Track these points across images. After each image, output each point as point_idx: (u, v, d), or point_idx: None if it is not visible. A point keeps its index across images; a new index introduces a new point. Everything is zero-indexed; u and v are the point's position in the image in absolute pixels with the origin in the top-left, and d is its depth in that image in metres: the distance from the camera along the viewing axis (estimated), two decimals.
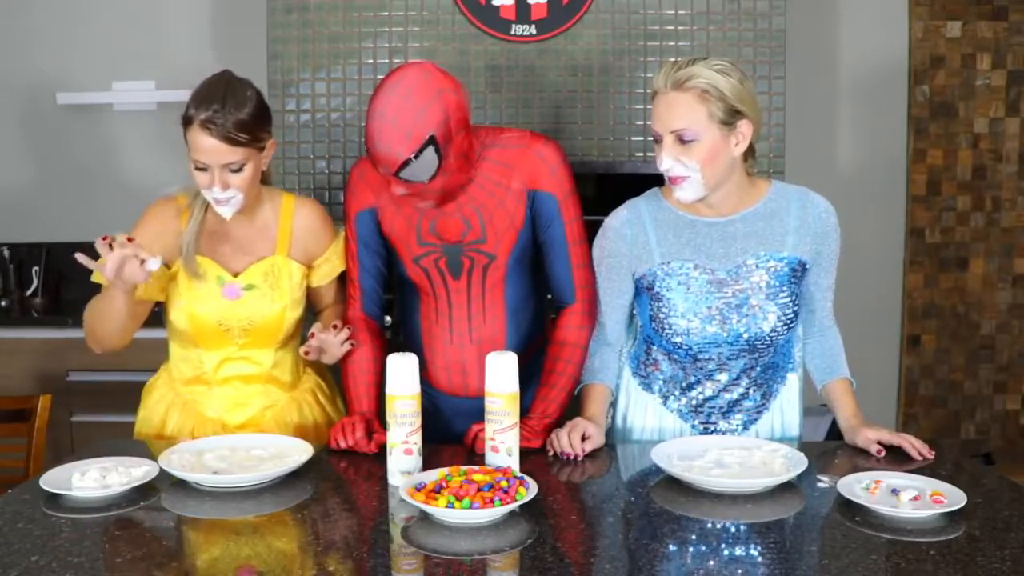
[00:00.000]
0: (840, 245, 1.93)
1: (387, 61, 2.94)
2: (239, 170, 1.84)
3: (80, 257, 1.74)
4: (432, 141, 1.76)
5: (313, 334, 1.88)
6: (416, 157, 1.76)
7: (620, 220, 1.93)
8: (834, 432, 2.08)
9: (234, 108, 1.81)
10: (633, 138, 2.97)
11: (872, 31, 3.66)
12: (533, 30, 2.92)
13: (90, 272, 1.89)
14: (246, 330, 1.98)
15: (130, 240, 1.72)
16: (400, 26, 2.94)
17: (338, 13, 2.95)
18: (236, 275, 1.97)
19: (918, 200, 3.71)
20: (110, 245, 1.71)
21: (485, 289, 1.97)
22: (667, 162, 1.78)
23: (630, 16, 2.92)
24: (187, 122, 1.83)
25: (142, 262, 1.72)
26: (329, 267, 2.06)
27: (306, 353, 1.89)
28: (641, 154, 2.96)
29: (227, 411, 2.02)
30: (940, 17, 3.62)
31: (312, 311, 2.14)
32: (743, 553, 1.39)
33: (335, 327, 1.90)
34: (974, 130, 3.68)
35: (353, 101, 2.96)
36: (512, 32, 2.92)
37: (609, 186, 2.96)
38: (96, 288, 1.92)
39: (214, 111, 1.79)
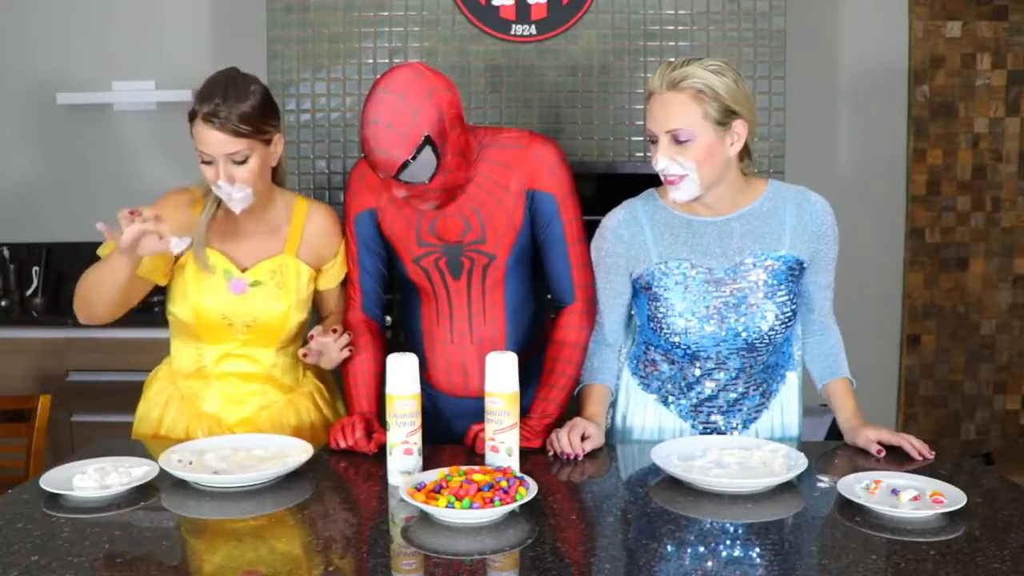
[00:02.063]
0: (838, 244, 1.93)
1: (387, 61, 2.94)
2: (244, 162, 1.86)
3: (101, 226, 1.73)
4: (429, 141, 1.76)
5: (312, 336, 1.88)
6: (414, 158, 1.76)
7: (617, 221, 1.93)
8: (834, 432, 2.08)
9: (236, 101, 1.83)
10: (633, 138, 2.97)
11: (872, 31, 3.66)
12: (533, 30, 2.92)
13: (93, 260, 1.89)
14: (249, 326, 1.98)
15: (157, 218, 1.72)
16: (400, 26, 2.94)
17: (338, 13, 2.95)
18: (244, 271, 1.98)
19: (918, 200, 3.71)
20: (134, 220, 1.70)
21: (485, 289, 1.97)
22: (663, 162, 1.78)
23: (630, 16, 2.92)
24: (191, 117, 1.85)
25: (160, 237, 1.71)
26: (337, 270, 2.08)
27: (304, 355, 1.89)
28: (641, 154, 2.96)
29: (223, 407, 2.02)
30: (940, 17, 3.62)
31: (316, 317, 2.15)
32: (743, 553, 1.39)
33: (335, 331, 1.90)
34: (974, 130, 3.68)
35: (353, 101, 2.96)
36: (512, 32, 2.92)
37: (609, 186, 2.96)
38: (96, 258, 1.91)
39: (216, 104, 1.82)
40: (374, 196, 1.98)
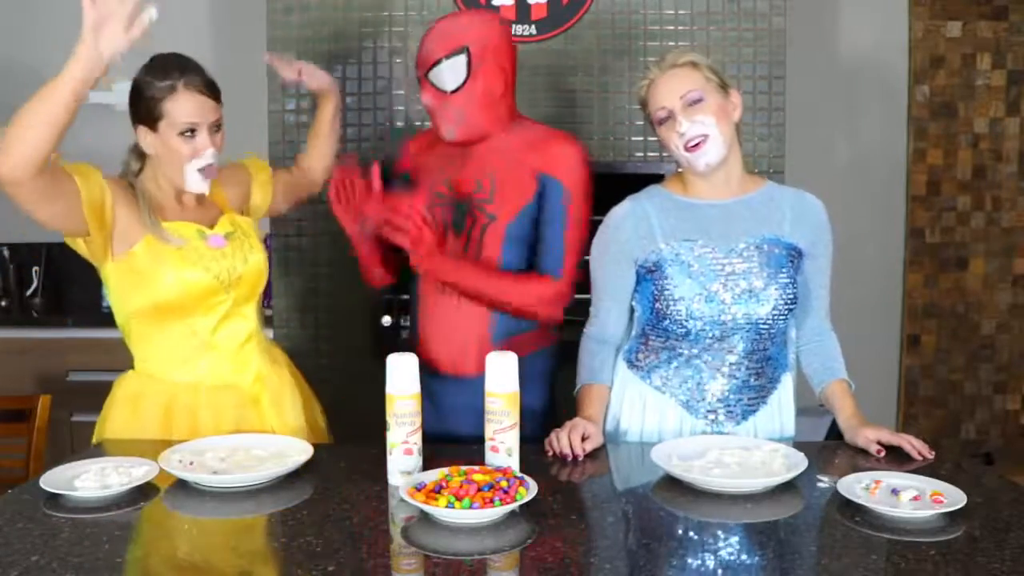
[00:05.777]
0: (833, 245, 1.95)
1: (387, 61, 2.94)
2: (219, 129, 1.93)
3: None
4: (466, 51, 1.91)
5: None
6: (447, 58, 1.91)
7: (622, 213, 1.95)
8: (834, 432, 2.08)
9: (203, 72, 1.94)
10: (633, 138, 2.96)
11: (872, 31, 3.66)
12: (533, 30, 2.92)
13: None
14: (236, 281, 1.97)
15: None
16: (400, 26, 2.94)
17: (338, 13, 2.95)
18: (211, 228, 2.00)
19: (918, 200, 3.71)
20: None
21: (482, 248, 1.99)
22: (684, 125, 1.83)
23: (630, 16, 2.92)
24: (165, 93, 1.90)
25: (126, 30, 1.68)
26: (264, 192, 2.15)
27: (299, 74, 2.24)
28: (641, 154, 2.96)
29: (234, 372, 1.99)
30: (940, 17, 3.62)
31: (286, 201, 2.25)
32: (743, 553, 1.39)
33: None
34: (974, 130, 3.68)
35: (353, 101, 2.96)
36: (512, 32, 2.92)
37: (609, 186, 2.94)
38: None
39: (196, 73, 1.91)
40: (409, 160, 2.14)
